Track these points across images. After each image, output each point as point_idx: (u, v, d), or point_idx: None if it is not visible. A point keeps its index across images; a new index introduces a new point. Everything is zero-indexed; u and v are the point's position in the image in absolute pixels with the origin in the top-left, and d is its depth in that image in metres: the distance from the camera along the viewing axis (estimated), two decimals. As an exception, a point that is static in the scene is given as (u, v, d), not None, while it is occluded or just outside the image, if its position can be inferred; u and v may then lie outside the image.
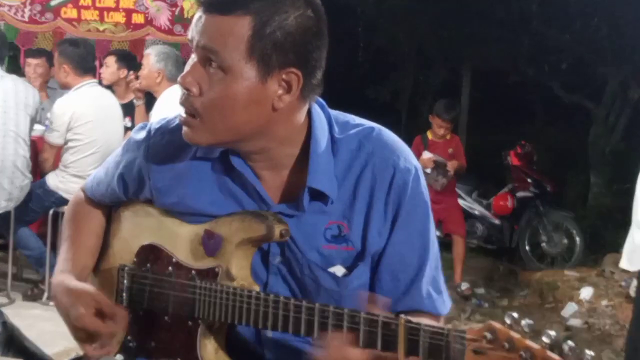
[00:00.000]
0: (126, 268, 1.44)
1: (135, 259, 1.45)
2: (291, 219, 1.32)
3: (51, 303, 4.32)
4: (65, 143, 4.43)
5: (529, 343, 1.06)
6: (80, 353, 1.47)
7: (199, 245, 1.36)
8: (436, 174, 5.68)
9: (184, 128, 1.31)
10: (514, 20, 8.98)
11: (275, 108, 1.27)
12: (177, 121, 1.40)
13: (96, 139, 4.42)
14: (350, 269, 1.36)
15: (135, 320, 1.44)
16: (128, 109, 4.98)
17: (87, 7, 5.79)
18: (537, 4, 8.64)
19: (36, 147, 4.65)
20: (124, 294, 1.44)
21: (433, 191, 5.55)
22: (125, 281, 1.44)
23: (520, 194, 7.18)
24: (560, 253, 6.89)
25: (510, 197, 7.23)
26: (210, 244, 1.34)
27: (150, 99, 4.84)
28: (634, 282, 4.67)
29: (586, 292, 5.11)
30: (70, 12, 5.81)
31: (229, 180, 1.37)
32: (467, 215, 6.97)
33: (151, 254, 1.42)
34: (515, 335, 1.07)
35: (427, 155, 5.63)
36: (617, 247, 5.93)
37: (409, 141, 5.80)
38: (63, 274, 1.45)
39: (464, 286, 5.81)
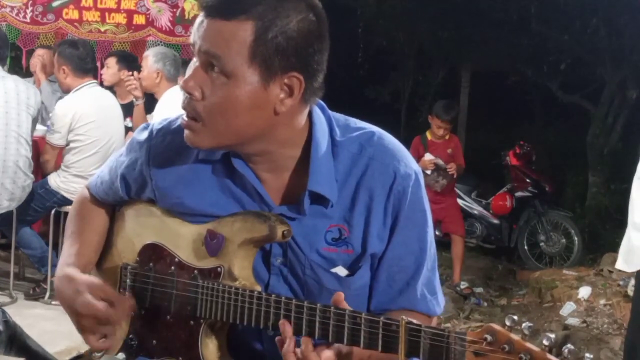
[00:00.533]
0: (129, 267, 1.45)
1: (138, 258, 1.46)
2: (292, 222, 1.33)
3: (53, 302, 4.34)
4: (67, 144, 4.44)
5: (529, 345, 1.07)
6: (81, 352, 1.48)
7: (201, 245, 1.37)
8: (436, 175, 5.69)
9: (186, 131, 1.31)
10: (513, 21, 8.97)
11: (277, 112, 1.27)
12: (179, 122, 1.40)
13: (97, 139, 4.43)
14: (352, 270, 1.37)
15: (138, 319, 1.45)
16: (129, 110, 5.00)
17: (88, 8, 5.80)
18: (536, 4, 8.63)
19: (38, 147, 4.66)
20: (127, 293, 1.45)
21: (432, 191, 5.56)
22: (128, 280, 1.45)
23: (519, 193, 7.20)
24: (558, 252, 6.91)
25: (509, 197, 7.24)
26: (213, 244, 1.35)
27: (149, 100, 4.86)
28: (632, 282, 4.69)
29: (584, 292, 5.12)
30: (72, 13, 5.82)
31: (231, 182, 1.37)
32: (466, 215, 6.99)
33: (154, 253, 1.43)
34: (515, 337, 1.08)
35: (428, 157, 5.65)
36: (615, 246, 5.92)
37: (408, 141, 5.86)
38: (67, 267, 1.46)
39: (463, 285, 5.83)
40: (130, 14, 5.80)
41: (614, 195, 7.91)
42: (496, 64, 10.54)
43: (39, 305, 4.41)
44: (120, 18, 5.81)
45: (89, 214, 1.58)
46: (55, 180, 4.46)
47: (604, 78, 8.51)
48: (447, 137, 5.85)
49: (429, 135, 5.85)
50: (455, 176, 5.73)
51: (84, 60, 4.52)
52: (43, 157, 4.57)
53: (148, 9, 5.79)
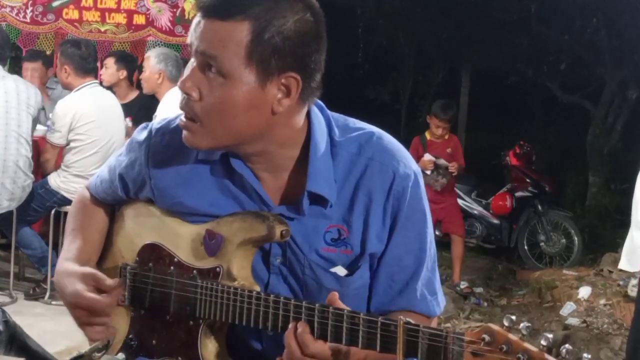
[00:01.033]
0: (128, 267, 1.45)
1: (137, 258, 1.46)
2: (291, 222, 1.33)
3: (53, 302, 4.34)
4: (67, 143, 4.44)
5: (527, 346, 1.07)
6: (81, 352, 1.48)
7: (200, 245, 1.37)
8: (436, 174, 5.70)
9: (184, 132, 1.31)
10: (513, 20, 8.99)
11: (274, 112, 1.27)
12: (177, 121, 1.40)
13: (98, 139, 4.44)
14: (351, 270, 1.37)
15: (137, 319, 1.45)
16: (128, 110, 5.00)
17: (88, 8, 5.79)
18: (536, 4, 8.64)
19: (38, 147, 4.66)
20: (126, 293, 1.44)
21: (433, 191, 5.57)
22: (127, 280, 1.45)
23: (519, 193, 7.20)
24: (558, 252, 6.92)
25: (509, 197, 7.24)
26: (212, 244, 1.35)
27: (150, 100, 4.86)
28: (632, 282, 4.70)
29: (584, 292, 5.12)
30: (72, 13, 5.81)
31: (230, 182, 1.37)
32: (466, 215, 6.99)
33: (153, 253, 1.43)
34: (513, 337, 1.08)
35: (428, 157, 5.66)
36: (615, 246, 5.96)
37: (408, 141, 5.86)
38: (67, 262, 1.46)
39: (463, 285, 5.84)
40: (130, 14, 5.80)
41: (614, 195, 7.93)
42: (496, 64, 10.56)
43: (39, 305, 4.42)
44: (120, 18, 5.80)
45: (90, 212, 1.59)
46: (55, 180, 4.46)
47: (604, 78, 8.52)
48: (446, 136, 5.86)
49: (428, 135, 5.86)
50: (454, 173, 5.74)
51: (86, 60, 4.53)
52: (43, 156, 4.57)
53: (148, 9, 5.79)
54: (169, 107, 4.26)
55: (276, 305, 1.25)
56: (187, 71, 1.29)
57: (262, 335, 1.40)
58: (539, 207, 7.00)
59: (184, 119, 1.31)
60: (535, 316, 5.15)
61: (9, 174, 4.22)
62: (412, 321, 1.15)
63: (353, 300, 1.35)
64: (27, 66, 5.51)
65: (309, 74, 1.27)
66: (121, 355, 1.45)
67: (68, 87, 4.63)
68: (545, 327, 4.79)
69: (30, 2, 5.81)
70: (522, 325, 1.12)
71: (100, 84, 4.97)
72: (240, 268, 1.34)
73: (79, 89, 4.51)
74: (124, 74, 5.29)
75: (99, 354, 1.44)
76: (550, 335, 1.09)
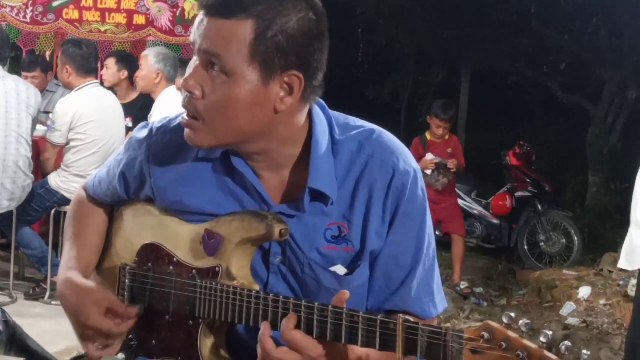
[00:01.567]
0: (127, 267, 1.45)
1: (136, 258, 1.45)
2: (292, 219, 1.33)
3: (53, 302, 4.34)
4: (67, 143, 4.44)
5: (527, 343, 1.07)
6: (82, 352, 1.48)
7: (199, 244, 1.37)
8: (437, 174, 5.70)
9: (186, 130, 1.31)
10: (512, 21, 9.00)
11: (277, 110, 1.27)
12: (178, 120, 1.40)
13: (98, 138, 4.44)
14: (351, 268, 1.37)
15: (137, 319, 1.44)
16: (129, 110, 5.00)
17: (88, 8, 5.80)
18: (536, 4, 8.65)
19: (38, 147, 4.66)
20: (126, 293, 1.44)
21: (433, 191, 5.57)
22: (126, 280, 1.45)
23: (519, 193, 7.20)
24: (558, 252, 6.92)
25: (509, 197, 7.25)
26: (211, 244, 1.35)
27: (146, 100, 4.87)
28: (632, 282, 4.70)
29: (584, 292, 5.12)
30: (72, 13, 5.82)
31: (230, 180, 1.37)
32: (466, 215, 6.99)
33: (152, 253, 1.43)
34: (513, 335, 1.08)
35: (429, 156, 5.66)
36: (615, 246, 5.95)
37: (408, 141, 5.86)
38: (69, 272, 1.46)
39: (463, 285, 5.84)
40: (130, 14, 5.81)
41: (614, 195, 7.92)
42: (496, 64, 10.57)
43: (39, 305, 4.42)
44: (121, 18, 5.81)
45: (88, 215, 1.58)
46: (55, 180, 4.46)
47: (604, 78, 8.52)
48: (446, 137, 5.87)
49: (428, 135, 5.87)
50: (454, 170, 5.74)
51: (87, 60, 4.53)
52: (43, 155, 4.58)
53: (148, 9, 5.79)
54: (165, 107, 4.27)
55: (275, 304, 1.25)
56: (189, 69, 1.29)
57: (262, 334, 1.40)
58: (539, 207, 7.01)
59: (186, 117, 1.31)
60: (535, 316, 5.15)
61: (9, 174, 4.22)
62: (411, 319, 1.15)
63: (353, 299, 1.34)
64: (27, 75, 5.51)
65: (311, 72, 1.27)
66: (121, 355, 1.46)
67: (69, 87, 4.64)
68: (545, 327, 4.79)
69: (31, 2, 5.82)
70: (521, 322, 1.12)
71: (102, 84, 4.97)
72: (239, 267, 1.34)
73: (79, 89, 4.51)
74: (125, 74, 5.29)
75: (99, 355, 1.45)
76: (549, 333, 1.09)
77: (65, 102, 4.49)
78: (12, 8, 5.83)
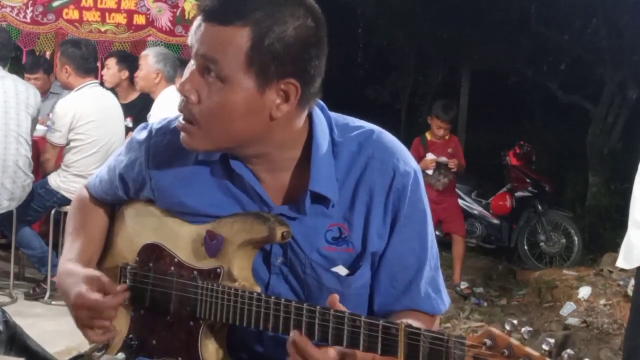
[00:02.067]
0: (128, 267, 1.45)
1: (137, 258, 1.45)
2: (292, 221, 1.33)
3: (53, 302, 4.35)
4: (68, 143, 4.45)
5: (528, 350, 1.06)
6: (81, 352, 1.47)
7: (200, 245, 1.37)
8: (437, 174, 5.71)
9: (182, 134, 1.31)
10: (513, 21, 9.00)
11: (272, 117, 1.27)
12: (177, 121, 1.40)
13: (98, 138, 4.44)
14: (352, 269, 1.37)
15: (137, 319, 1.45)
16: (129, 110, 5.00)
17: (88, 8, 5.80)
18: (536, 4, 8.65)
19: (38, 147, 4.66)
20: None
21: (434, 191, 5.58)
22: (127, 280, 1.45)
23: (519, 193, 7.20)
24: (558, 252, 6.92)
25: (509, 197, 7.25)
26: (212, 245, 1.35)
27: (146, 100, 4.86)
28: (632, 282, 4.70)
29: (584, 292, 5.12)
30: (72, 13, 5.82)
31: (230, 182, 1.37)
32: (467, 215, 6.99)
33: (153, 253, 1.43)
34: (515, 342, 1.07)
35: (430, 156, 5.67)
36: (615, 246, 5.94)
37: (408, 141, 5.87)
38: (69, 262, 1.46)
39: (463, 285, 5.84)
40: (130, 14, 5.81)
41: (614, 195, 7.92)
42: (496, 64, 10.57)
43: (39, 305, 4.42)
44: (121, 18, 5.81)
45: (90, 212, 1.58)
46: (55, 180, 4.46)
47: (604, 78, 8.52)
48: (447, 137, 5.87)
49: (428, 135, 5.87)
50: (454, 170, 5.74)
51: (86, 60, 4.53)
52: (43, 156, 4.58)
53: (148, 9, 5.79)
54: (164, 106, 4.27)
55: (277, 307, 1.25)
56: (186, 73, 1.29)
57: (263, 336, 1.39)
58: (539, 207, 7.00)
59: (182, 121, 1.31)
60: (535, 316, 5.15)
61: (9, 173, 4.22)
62: (413, 324, 1.15)
63: (354, 300, 1.35)
64: (29, 77, 5.51)
65: (308, 80, 1.27)
66: (121, 355, 1.45)
67: (68, 87, 4.63)
68: (545, 327, 4.80)
69: (31, 2, 5.82)
70: (523, 329, 1.12)
71: (102, 84, 4.97)
72: (241, 269, 1.34)
73: (79, 89, 4.51)
74: (125, 74, 5.29)
75: (99, 354, 1.45)
76: (552, 340, 1.08)
77: (65, 103, 4.49)
78: (12, 8, 5.83)
